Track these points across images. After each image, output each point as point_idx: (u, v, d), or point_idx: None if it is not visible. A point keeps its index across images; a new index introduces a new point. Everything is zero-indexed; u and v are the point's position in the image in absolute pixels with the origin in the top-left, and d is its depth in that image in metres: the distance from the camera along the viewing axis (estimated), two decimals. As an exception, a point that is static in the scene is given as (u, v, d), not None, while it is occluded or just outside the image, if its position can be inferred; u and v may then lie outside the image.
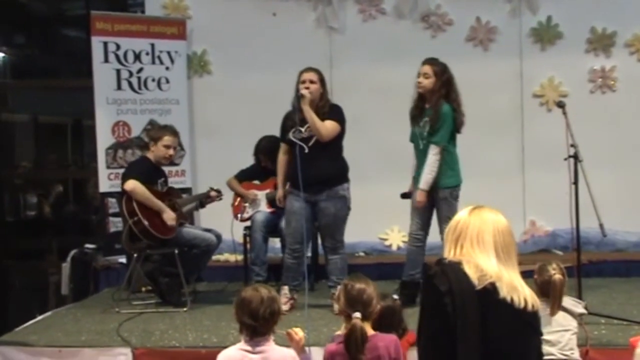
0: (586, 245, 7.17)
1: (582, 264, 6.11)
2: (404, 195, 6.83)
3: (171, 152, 7.06)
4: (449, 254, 3.22)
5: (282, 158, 6.79)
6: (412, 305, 6.32)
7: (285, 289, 6.59)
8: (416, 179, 6.59)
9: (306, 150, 6.43)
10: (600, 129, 8.10)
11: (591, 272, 7.45)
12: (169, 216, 6.81)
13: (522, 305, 3.08)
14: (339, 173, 6.63)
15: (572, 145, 5.83)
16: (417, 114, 6.59)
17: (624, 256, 8.17)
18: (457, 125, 6.51)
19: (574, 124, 5.92)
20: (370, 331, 4.07)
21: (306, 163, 6.29)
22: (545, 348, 4.66)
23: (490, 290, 3.04)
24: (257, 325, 3.83)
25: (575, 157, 5.82)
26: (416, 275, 6.66)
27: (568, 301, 4.87)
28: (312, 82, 6.50)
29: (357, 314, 4.02)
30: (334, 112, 6.55)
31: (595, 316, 5.73)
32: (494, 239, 3.20)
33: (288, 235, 6.70)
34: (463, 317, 2.99)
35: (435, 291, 3.07)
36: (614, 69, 8.40)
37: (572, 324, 4.79)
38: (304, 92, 6.39)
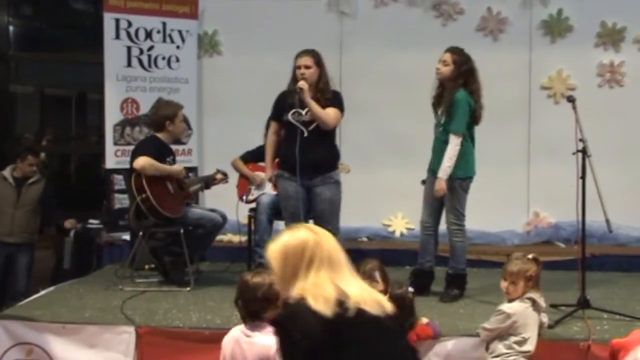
0: (589, 238, 7.13)
1: (585, 258, 6.12)
2: (424, 182, 6.80)
3: (188, 132, 7.12)
4: (305, 283, 2.96)
5: (272, 138, 6.77)
6: (424, 294, 6.40)
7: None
8: (431, 168, 6.57)
9: (305, 134, 6.42)
10: (607, 123, 8.09)
11: (593, 265, 7.47)
12: (176, 170, 6.88)
13: (384, 313, 3.00)
14: (333, 159, 6.67)
15: (580, 140, 5.83)
16: (436, 102, 6.59)
17: (626, 251, 8.19)
18: (475, 117, 6.47)
19: (581, 117, 5.90)
20: None
21: (304, 147, 6.31)
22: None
23: (356, 312, 2.90)
24: (249, 310, 3.87)
25: (584, 151, 5.83)
26: (426, 264, 6.67)
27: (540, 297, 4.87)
28: (307, 67, 6.48)
29: None
30: (336, 100, 6.55)
31: (597, 311, 5.76)
32: (343, 254, 3.10)
33: (288, 220, 6.69)
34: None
35: (289, 338, 2.91)
36: (623, 64, 8.39)
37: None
38: (301, 84, 6.34)
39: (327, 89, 6.54)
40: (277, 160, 6.86)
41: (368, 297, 2.99)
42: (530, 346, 4.77)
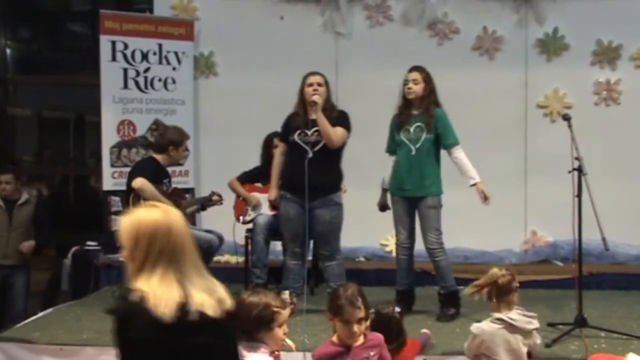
0: (587, 257, 7.15)
1: (582, 276, 6.12)
2: (383, 208, 6.84)
3: (185, 153, 7.13)
4: (151, 277, 2.86)
5: (279, 158, 6.78)
6: (408, 313, 6.39)
7: (286, 294, 6.58)
8: (399, 187, 6.62)
9: (310, 155, 6.44)
10: (604, 141, 8.11)
11: (591, 284, 7.46)
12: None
13: (224, 311, 2.97)
14: (335, 181, 6.66)
15: (576, 158, 5.84)
16: (404, 120, 6.61)
17: (624, 269, 8.17)
18: None
19: (577, 135, 5.92)
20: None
21: (309, 167, 6.31)
22: None
23: (197, 316, 2.85)
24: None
25: (580, 170, 5.83)
26: (411, 284, 6.76)
27: (521, 319, 4.59)
28: (319, 84, 6.53)
29: None
30: (343, 119, 6.57)
31: (595, 329, 5.75)
32: (190, 243, 2.99)
33: (288, 241, 6.71)
34: None
35: (124, 338, 2.86)
36: (619, 82, 8.42)
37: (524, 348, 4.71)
38: (315, 98, 6.38)
39: (333, 108, 6.60)
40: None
41: (209, 298, 2.94)
42: None
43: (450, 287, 6.57)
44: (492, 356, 4.56)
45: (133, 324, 2.81)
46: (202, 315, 2.87)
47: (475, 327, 4.66)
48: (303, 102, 6.52)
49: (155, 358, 2.83)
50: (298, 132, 6.53)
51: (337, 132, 6.44)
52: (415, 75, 6.55)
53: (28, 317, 7.03)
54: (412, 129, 6.53)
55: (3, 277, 8.03)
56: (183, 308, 2.82)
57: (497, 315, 4.56)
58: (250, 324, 3.79)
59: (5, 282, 8.04)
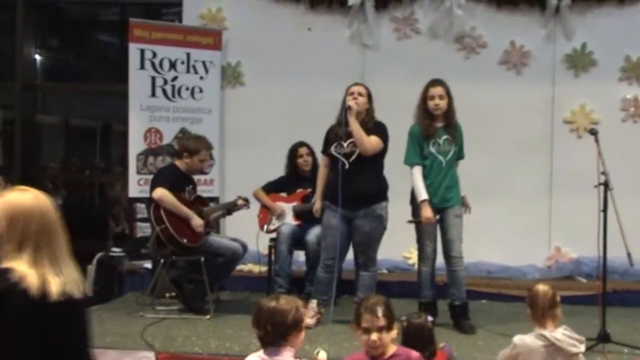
0: (611, 274, 7.12)
1: (606, 293, 6.09)
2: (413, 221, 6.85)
3: (205, 165, 7.17)
4: (26, 259, 2.90)
5: (322, 171, 6.85)
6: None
7: (314, 303, 6.60)
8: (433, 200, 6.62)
9: (347, 166, 6.47)
10: (630, 157, 8.08)
11: (615, 301, 7.42)
12: (197, 223, 6.87)
13: (81, 294, 3.01)
14: (378, 191, 6.66)
15: (602, 173, 5.83)
16: (431, 133, 6.63)
17: (648, 287, 8.10)
18: None
19: (604, 152, 5.91)
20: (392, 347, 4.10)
21: (346, 178, 6.36)
22: None
23: (62, 297, 2.90)
24: (262, 335, 3.84)
25: (606, 184, 5.82)
26: (434, 296, 6.76)
27: (566, 340, 4.52)
28: (360, 94, 6.58)
29: None
30: (379, 129, 6.61)
31: (618, 345, 5.73)
32: (61, 228, 3.04)
33: (323, 250, 6.73)
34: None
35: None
36: (647, 99, 8.40)
37: None
38: (350, 103, 6.45)
39: (372, 119, 6.63)
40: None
41: (76, 280, 3.01)
42: None
43: (465, 299, 6.63)
44: None
45: (8, 302, 2.85)
46: (72, 296, 2.95)
47: (517, 337, 4.65)
48: (345, 113, 6.55)
49: (29, 336, 2.89)
50: (335, 144, 6.59)
51: (370, 140, 6.47)
52: (441, 90, 6.59)
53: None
54: (441, 142, 6.58)
55: None
56: (55, 289, 2.89)
57: (541, 331, 4.52)
58: (286, 329, 3.81)
59: None
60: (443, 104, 6.56)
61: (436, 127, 6.63)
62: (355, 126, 6.40)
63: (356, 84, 6.71)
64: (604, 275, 5.99)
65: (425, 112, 6.65)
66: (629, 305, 7.74)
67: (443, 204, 6.57)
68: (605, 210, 5.83)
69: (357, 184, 6.41)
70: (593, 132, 6.09)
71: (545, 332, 4.50)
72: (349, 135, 6.47)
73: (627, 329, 6.57)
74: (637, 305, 7.76)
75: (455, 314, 6.60)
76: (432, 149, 6.62)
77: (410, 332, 4.49)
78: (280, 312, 3.81)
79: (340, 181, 6.31)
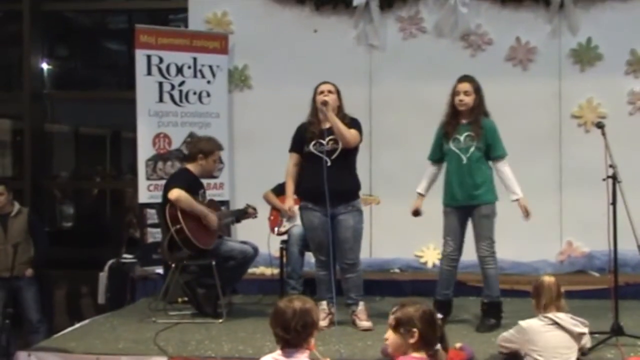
0: (623, 267, 7.11)
1: (618, 286, 6.08)
2: (415, 213, 6.83)
3: (220, 166, 7.19)
4: None
5: (292, 169, 6.79)
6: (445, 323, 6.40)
7: (324, 304, 6.59)
8: (452, 197, 6.58)
9: (328, 164, 6.46)
10: (638, 150, 8.07)
11: (628, 294, 7.38)
12: (212, 219, 6.89)
13: None
14: (355, 188, 6.69)
15: (610, 166, 5.82)
16: (452, 130, 6.59)
17: (660, 279, 8.08)
18: None
19: (612, 146, 5.89)
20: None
21: (328, 176, 6.34)
22: None
23: None
24: (289, 337, 3.82)
25: (614, 177, 5.81)
26: (450, 294, 6.71)
27: (568, 320, 4.79)
28: (330, 92, 6.59)
29: (439, 346, 4.03)
30: (355, 124, 6.63)
31: (631, 338, 5.72)
32: None
33: (315, 251, 6.74)
34: None
35: None
36: (654, 92, 8.38)
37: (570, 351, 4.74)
38: (326, 98, 6.48)
39: (345, 116, 6.63)
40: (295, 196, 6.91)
41: None
42: None
43: (495, 298, 6.56)
44: (533, 352, 4.62)
45: None
46: None
47: (523, 322, 4.73)
48: (316, 112, 6.58)
49: None
50: (313, 142, 6.57)
51: (351, 132, 6.49)
52: (467, 86, 6.52)
53: (45, 328, 7.51)
54: (462, 139, 6.51)
55: (10, 289, 8.13)
56: None
57: (545, 314, 4.65)
58: (313, 328, 3.84)
59: (16, 296, 8.14)
60: (468, 100, 6.49)
61: (459, 123, 6.56)
62: (334, 120, 6.42)
63: (324, 82, 6.70)
64: (616, 268, 5.97)
65: (451, 108, 6.61)
66: (642, 297, 7.73)
67: (469, 202, 6.50)
68: (614, 203, 5.82)
69: (339, 181, 6.40)
70: (600, 126, 6.08)
71: (549, 314, 4.61)
72: (328, 132, 6.48)
73: (639, 322, 6.55)
74: (650, 298, 7.75)
75: (482, 312, 6.59)
76: (452, 146, 6.56)
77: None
78: (307, 312, 3.84)
79: (322, 179, 6.29)
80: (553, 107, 8.47)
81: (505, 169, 6.51)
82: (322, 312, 6.44)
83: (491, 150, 6.51)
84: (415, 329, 3.95)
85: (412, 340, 3.95)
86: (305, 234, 6.85)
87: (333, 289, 6.41)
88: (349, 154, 6.56)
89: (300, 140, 6.70)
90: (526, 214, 6.49)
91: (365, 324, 6.51)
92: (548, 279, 4.85)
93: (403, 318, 3.98)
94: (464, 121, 6.53)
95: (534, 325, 4.75)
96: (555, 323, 4.72)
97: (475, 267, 6.70)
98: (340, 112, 6.60)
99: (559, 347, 4.71)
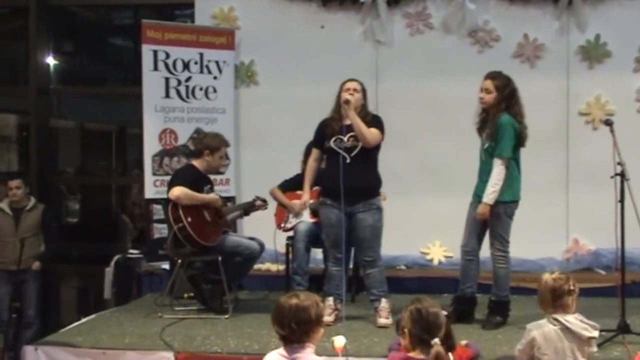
0: (630, 265, 7.09)
1: (625, 284, 6.07)
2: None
3: (226, 162, 7.19)
4: None
5: (312, 164, 6.79)
6: (466, 321, 6.39)
7: (330, 300, 6.58)
8: (476, 192, 6.54)
9: (348, 160, 6.44)
10: (647, 148, 8.06)
11: (634, 292, 7.37)
12: (213, 198, 6.94)
13: None
14: (376, 185, 6.66)
15: (619, 163, 5.80)
16: (481, 127, 6.58)
17: (667, 277, 8.05)
18: (520, 139, 6.43)
19: (620, 143, 5.88)
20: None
21: (346, 173, 6.32)
22: None
23: None
24: (285, 334, 3.82)
25: (622, 175, 5.79)
26: (467, 290, 6.65)
27: (577, 323, 4.68)
28: (355, 90, 6.56)
29: (437, 340, 4.00)
30: (377, 122, 6.59)
31: (638, 336, 5.71)
32: None
33: (329, 247, 6.71)
34: None
35: None
36: (662, 89, 8.35)
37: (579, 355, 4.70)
38: (348, 97, 6.44)
39: (368, 114, 6.61)
40: (314, 188, 6.89)
41: None
42: None
43: (503, 297, 6.54)
44: (542, 357, 4.58)
45: None
46: None
47: (531, 325, 4.70)
48: (339, 108, 6.55)
49: None
50: (334, 138, 6.54)
51: (372, 131, 6.46)
52: (488, 83, 6.45)
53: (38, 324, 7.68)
54: (484, 136, 6.50)
55: (17, 283, 8.16)
56: None
57: (554, 315, 4.59)
58: (310, 325, 3.83)
59: (21, 288, 8.17)
60: (488, 98, 6.41)
61: (486, 120, 6.52)
62: (355, 120, 6.38)
63: (350, 80, 6.67)
64: (623, 266, 5.97)
65: (479, 106, 6.59)
66: (649, 296, 7.71)
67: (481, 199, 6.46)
68: (622, 201, 5.81)
69: (358, 178, 6.38)
70: (608, 123, 6.04)
71: (557, 316, 4.56)
72: (348, 129, 6.45)
73: (647, 319, 6.54)
74: (657, 296, 7.73)
75: (488, 309, 6.56)
76: (481, 143, 6.55)
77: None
78: (303, 309, 3.82)
79: (342, 175, 6.27)
80: (561, 104, 8.44)
81: (495, 170, 6.34)
82: (329, 307, 6.45)
83: (494, 148, 6.41)
84: (405, 329, 3.99)
85: (404, 341, 4.00)
86: (322, 229, 6.82)
87: (343, 286, 6.38)
88: (370, 151, 6.53)
89: (321, 136, 6.69)
90: (478, 215, 6.37)
91: (383, 321, 6.47)
92: (547, 277, 4.75)
93: (399, 319, 4.08)
94: (489, 119, 6.49)
95: (542, 327, 4.70)
96: (564, 327, 4.64)
97: (484, 264, 6.67)
98: (363, 110, 6.58)
99: (567, 350, 4.66)
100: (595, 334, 4.66)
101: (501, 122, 6.35)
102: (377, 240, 6.62)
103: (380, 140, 6.57)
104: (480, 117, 6.60)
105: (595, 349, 4.79)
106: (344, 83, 6.66)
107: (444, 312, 4.82)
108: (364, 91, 6.66)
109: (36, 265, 8.25)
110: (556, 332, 4.59)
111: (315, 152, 6.79)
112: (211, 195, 7.00)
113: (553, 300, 4.64)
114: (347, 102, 6.42)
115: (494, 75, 6.50)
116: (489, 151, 6.40)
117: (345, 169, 6.33)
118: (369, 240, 6.56)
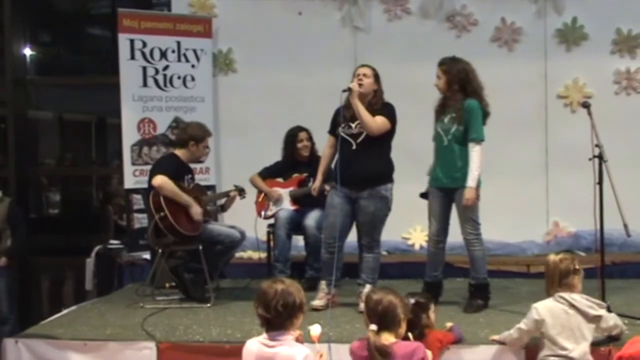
0: (609, 246, 7.13)
1: (605, 266, 6.09)
2: (423, 195, 6.80)
3: (207, 151, 7.19)
4: None
5: (327, 151, 6.80)
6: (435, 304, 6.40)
7: (323, 284, 6.59)
8: (435, 178, 6.57)
9: (354, 147, 6.45)
10: (624, 130, 8.08)
11: (614, 273, 7.44)
12: (196, 211, 6.86)
13: None
14: (384, 172, 6.60)
15: (597, 145, 5.82)
16: (439, 110, 6.59)
17: (647, 258, 8.10)
18: (484, 118, 6.47)
19: (598, 126, 5.90)
20: (390, 339, 4.12)
21: (352, 159, 6.36)
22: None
23: None
24: (269, 317, 3.85)
25: (600, 157, 5.82)
26: (439, 276, 6.70)
27: (583, 302, 4.83)
28: (365, 75, 6.52)
29: (373, 326, 4.12)
30: (386, 110, 6.55)
31: (619, 316, 5.72)
32: None
33: (324, 229, 6.70)
34: None
35: None
36: (639, 71, 8.37)
37: (587, 332, 4.79)
38: (352, 85, 6.39)
39: (378, 102, 6.57)
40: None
41: None
42: (575, 353, 4.73)
43: (482, 279, 6.55)
44: (549, 333, 4.66)
45: None
46: None
47: (536, 304, 4.78)
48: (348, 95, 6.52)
49: None
50: (343, 125, 6.53)
51: (376, 120, 6.41)
52: (437, 71, 6.52)
53: (15, 319, 7.55)
54: (446, 120, 6.48)
55: None
56: None
57: (560, 293, 4.68)
58: (295, 310, 3.87)
59: None
60: (440, 83, 6.49)
61: (447, 104, 6.53)
62: (357, 108, 6.34)
63: (362, 65, 6.65)
64: (602, 247, 5.99)
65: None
66: (628, 276, 7.76)
67: (449, 184, 6.46)
68: (600, 183, 5.83)
69: (364, 165, 6.38)
70: (586, 106, 6.05)
71: (564, 294, 4.65)
72: (355, 117, 6.43)
73: (626, 300, 6.57)
74: (636, 277, 7.77)
75: (469, 293, 6.59)
76: (438, 127, 6.55)
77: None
78: (289, 293, 3.87)
79: (346, 162, 6.30)
80: (539, 87, 8.47)
81: (472, 153, 6.34)
82: (321, 292, 6.52)
83: (466, 132, 6.41)
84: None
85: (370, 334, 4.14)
86: (325, 210, 6.78)
87: (334, 272, 6.38)
88: (377, 138, 6.48)
89: (334, 123, 6.69)
90: (466, 200, 6.34)
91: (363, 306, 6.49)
92: (553, 258, 4.90)
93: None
94: (449, 102, 6.50)
95: (549, 305, 4.78)
96: (570, 304, 4.75)
97: (462, 248, 6.68)
98: (375, 96, 6.56)
99: (575, 328, 4.75)
100: (602, 312, 4.78)
101: (470, 106, 6.38)
102: (376, 228, 6.60)
103: (388, 128, 6.52)
104: (440, 102, 6.62)
105: (612, 322, 4.90)
106: (356, 69, 6.65)
107: (412, 301, 4.86)
108: (376, 76, 6.61)
109: (2, 261, 8.03)
110: (563, 309, 4.72)
111: (329, 140, 6.79)
112: (194, 206, 6.90)
113: (560, 279, 4.75)
114: (350, 89, 6.38)
115: (441, 61, 6.56)
116: (456, 135, 6.40)
117: (351, 156, 6.37)
118: (367, 226, 6.56)
